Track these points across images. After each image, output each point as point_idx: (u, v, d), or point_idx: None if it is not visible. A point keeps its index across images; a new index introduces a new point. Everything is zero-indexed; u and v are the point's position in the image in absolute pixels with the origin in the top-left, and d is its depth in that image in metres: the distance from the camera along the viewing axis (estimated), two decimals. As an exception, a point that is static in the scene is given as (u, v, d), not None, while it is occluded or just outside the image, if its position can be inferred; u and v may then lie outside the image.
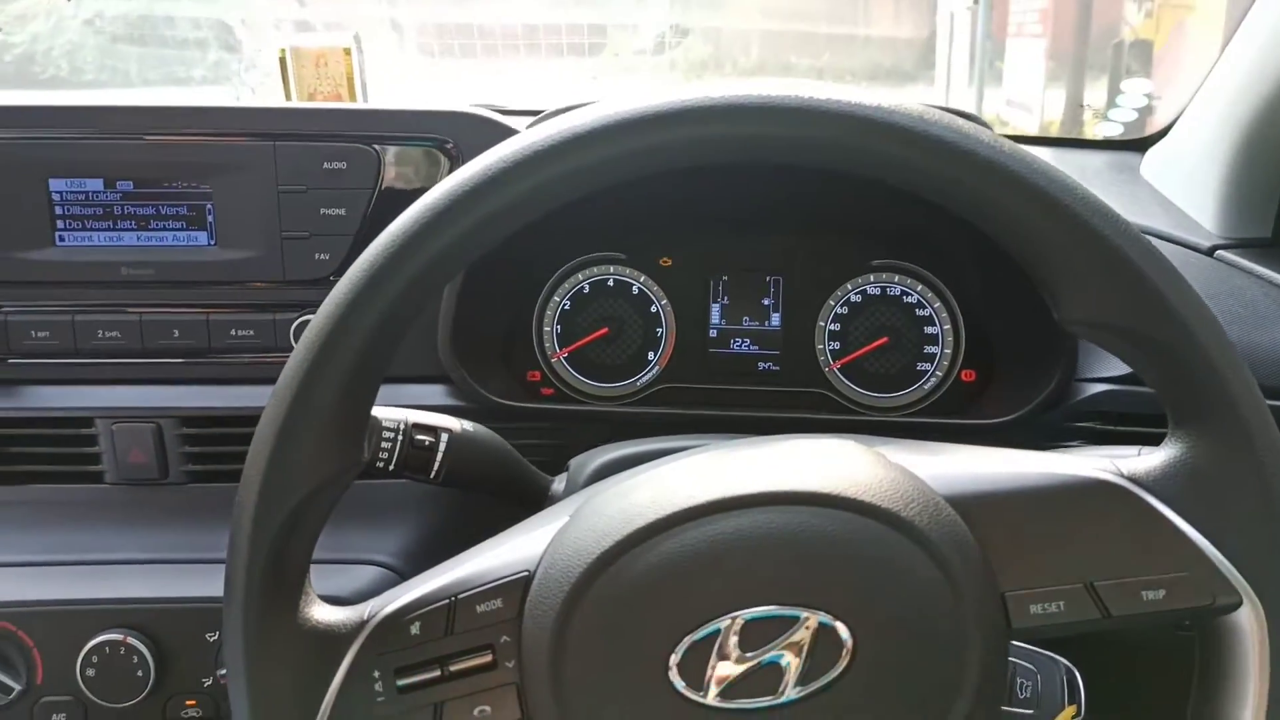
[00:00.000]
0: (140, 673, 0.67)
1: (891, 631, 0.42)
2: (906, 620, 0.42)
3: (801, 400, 0.82)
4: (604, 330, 0.82)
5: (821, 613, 0.41)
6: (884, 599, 0.42)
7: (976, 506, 0.44)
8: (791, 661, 0.41)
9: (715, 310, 0.83)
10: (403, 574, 0.72)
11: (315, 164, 0.73)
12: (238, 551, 0.43)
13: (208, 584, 0.68)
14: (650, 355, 0.83)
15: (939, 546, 0.42)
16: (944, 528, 0.43)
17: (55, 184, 0.73)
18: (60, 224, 0.74)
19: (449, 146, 0.74)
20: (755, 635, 0.41)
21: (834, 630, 0.41)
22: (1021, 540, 0.44)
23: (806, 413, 0.80)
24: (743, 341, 0.83)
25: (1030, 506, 0.45)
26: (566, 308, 0.83)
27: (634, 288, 0.83)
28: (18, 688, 0.67)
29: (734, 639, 0.41)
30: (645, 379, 0.83)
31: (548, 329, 0.83)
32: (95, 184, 0.73)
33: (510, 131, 0.75)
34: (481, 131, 0.74)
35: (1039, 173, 0.42)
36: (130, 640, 0.67)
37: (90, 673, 0.67)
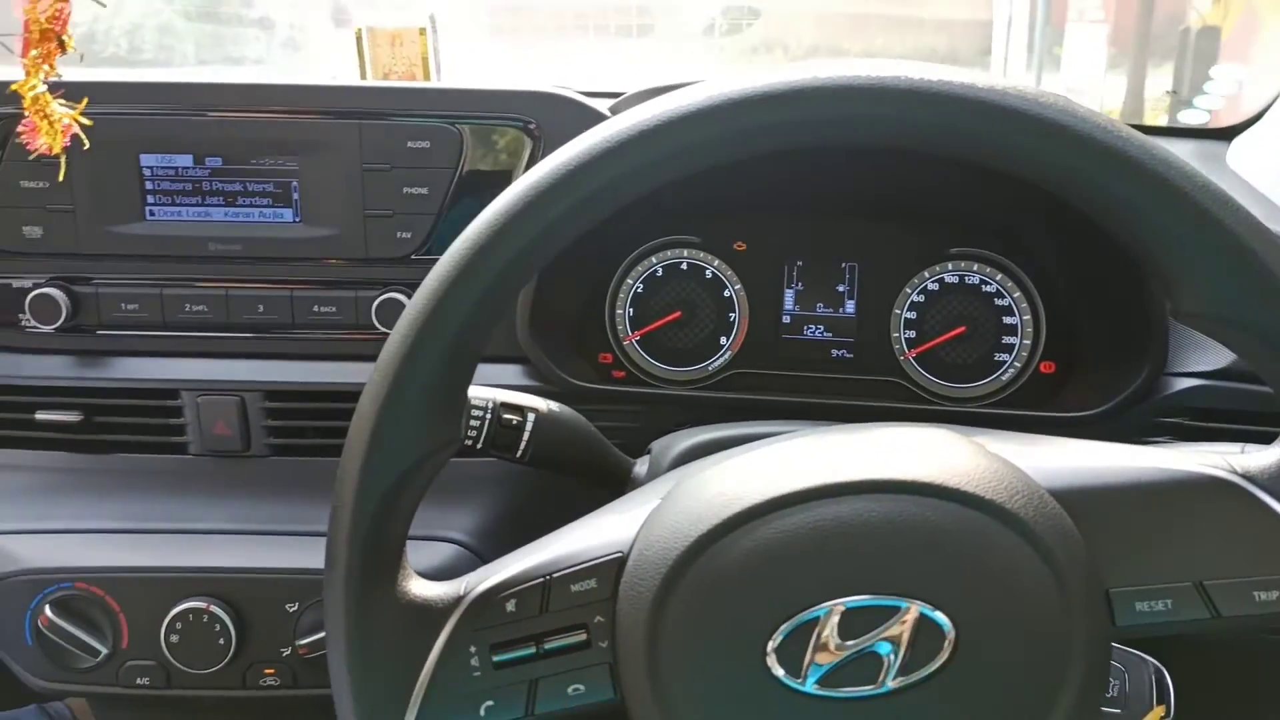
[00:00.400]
0: (222, 640, 0.68)
1: (994, 625, 0.41)
2: (1010, 614, 0.41)
3: (876, 389, 0.81)
4: (676, 314, 0.82)
5: (923, 603, 0.41)
6: (987, 592, 0.41)
7: (1082, 501, 0.44)
8: (892, 651, 0.41)
9: (789, 296, 0.82)
10: (479, 552, 0.73)
11: (399, 143, 0.73)
12: (340, 523, 0.43)
13: (290, 555, 0.69)
14: (722, 340, 0.82)
15: (1044, 540, 0.42)
16: (1049, 521, 0.42)
17: (146, 159, 0.74)
18: (150, 199, 0.75)
19: (531, 127, 0.74)
20: (855, 624, 0.41)
21: (936, 621, 0.41)
22: (1129, 536, 0.43)
23: (881, 401, 0.79)
24: (816, 328, 0.82)
25: (1139, 502, 0.44)
26: (639, 290, 0.82)
27: (707, 272, 0.82)
28: (104, 651, 0.69)
29: (834, 626, 0.41)
30: (717, 364, 0.82)
31: (620, 312, 0.82)
32: (185, 160, 0.75)
33: (593, 112, 0.75)
34: (565, 112, 0.74)
35: (1159, 159, 0.40)
36: (213, 608, 0.68)
37: (174, 639, 0.69)
